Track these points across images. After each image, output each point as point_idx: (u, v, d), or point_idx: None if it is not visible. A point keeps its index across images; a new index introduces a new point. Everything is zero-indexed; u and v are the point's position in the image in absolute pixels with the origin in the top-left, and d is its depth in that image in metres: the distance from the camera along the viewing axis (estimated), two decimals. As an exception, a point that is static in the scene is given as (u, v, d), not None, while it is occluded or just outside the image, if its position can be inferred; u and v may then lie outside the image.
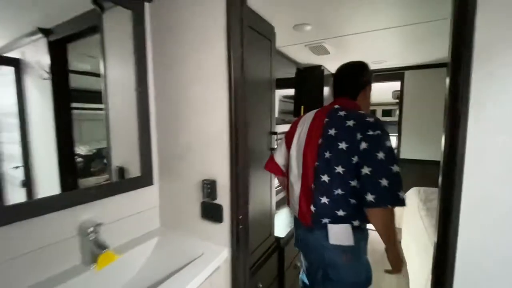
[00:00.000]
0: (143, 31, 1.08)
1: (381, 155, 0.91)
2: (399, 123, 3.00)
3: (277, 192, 2.51)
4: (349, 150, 0.97)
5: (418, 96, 2.86)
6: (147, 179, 1.14)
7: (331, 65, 2.76)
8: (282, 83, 2.53)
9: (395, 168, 0.91)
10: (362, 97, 1.15)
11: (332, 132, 1.03)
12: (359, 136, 0.96)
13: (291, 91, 2.76)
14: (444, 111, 0.63)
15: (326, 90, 2.86)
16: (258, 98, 1.39)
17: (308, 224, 1.09)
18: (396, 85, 3.76)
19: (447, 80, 0.61)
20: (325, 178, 1.02)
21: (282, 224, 2.02)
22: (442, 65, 2.65)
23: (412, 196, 2.45)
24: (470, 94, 0.56)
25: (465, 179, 0.60)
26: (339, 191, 1.00)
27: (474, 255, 0.62)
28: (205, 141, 1.03)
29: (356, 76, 1.14)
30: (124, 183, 1.06)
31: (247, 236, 1.04)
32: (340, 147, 0.99)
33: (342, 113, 1.06)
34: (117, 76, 1.06)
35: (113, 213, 1.02)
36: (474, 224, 0.61)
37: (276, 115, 2.46)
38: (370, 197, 0.90)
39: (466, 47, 0.55)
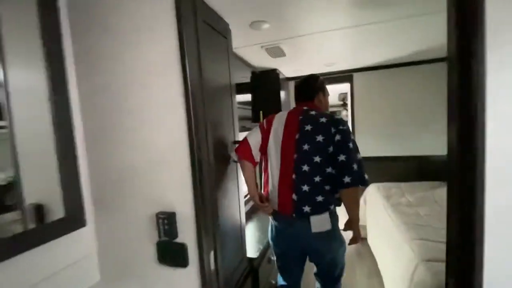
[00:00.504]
0: (56, 18, 0.79)
1: (351, 145, 1.12)
2: (352, 123, 3.11)
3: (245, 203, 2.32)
4: (325, 142, 1.15)
5: (367, 96, 3.01)
6: (76, 219, 0.83)
7: (286, 69, 2.72)
8: (238, 88, 2.37)
9: (359, 155, 1.15)
10: (318, 101, 1.36)
11: (308, 127, 1.19)
12: (333, 130, 1.15)
13: (246, 97, 2.62)
14: (448, 109, 0.54)
15: (283, 95, 2.80)
16: (218, 104, 1.19)
17: (288, 215, 1.20)
18: (342, 87, 3.95)
19: (455, 74, 0.52)
20: (305, 168, 1.16)
21: (251, 240, 1.83)
22: (389, 66, 2.83)
23: (374, 192, 2.52)
24: (486, 86, 0.48)
25: (487, 190, 0.50)
26: (317, 178, 1.15)
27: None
28: (156, 159, 0.79)
29: (308, 86, 1.38)
30: (38, 232, 0.74)
31: (221, 278, 0.82)
32: (317, 139, 1.15)
33: (313, 112, 1.25)
34: (23, 82, 0.75)
35: (21, 279, 0.70)
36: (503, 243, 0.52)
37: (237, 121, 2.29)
38: (347, 179, 1.08)
39: (478, 29, 0.46)
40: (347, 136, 1.13)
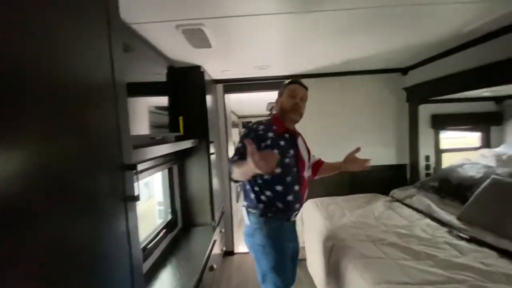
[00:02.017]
0: None
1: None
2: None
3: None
4: None
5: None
6: None
7: (212, 67, 2.25)
8: (152, 88, 1.77)
9: (234, 157, 1.24)
10: (275, 108, 1.45)
11: None
12: None
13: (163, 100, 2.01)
14: None
15: (209, 100, 2.31)
16: (79, 112, 0.62)
17: None
18: (271, 96, 3.75)
19: None
20: None
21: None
22: (323, 75, 2.71)
23: (312, 210, 2.26)
24: None
25: None
26: None
27: None
28: None
29: None
30: None
31: None
32: None
33: None
34: None
35: None
36: None
37: (147, 131, 1.67)
38: None
39: None
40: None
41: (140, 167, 1.51)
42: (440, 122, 2.59)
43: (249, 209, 1.31)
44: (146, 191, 2.25)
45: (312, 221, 2.16)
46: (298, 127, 3.08)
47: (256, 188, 1.28)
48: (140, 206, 1.80)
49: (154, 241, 1.71)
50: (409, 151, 2.69)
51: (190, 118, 2.12)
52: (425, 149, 2.64)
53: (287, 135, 1.35)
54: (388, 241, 1.50)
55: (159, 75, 1.91)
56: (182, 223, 2.17)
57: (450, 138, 2.94)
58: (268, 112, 6.14)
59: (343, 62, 2.32)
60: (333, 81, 2.75)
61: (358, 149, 1.32)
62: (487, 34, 1.74)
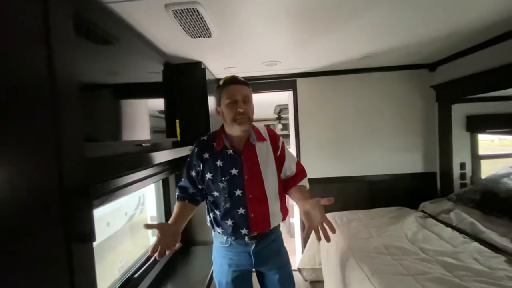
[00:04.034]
0: None
1: None
2: (296, 139, 2.57)
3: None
4: None
5: (311, 107, 2.52)
6: None
7: (214, 64, 1.99)
8: (146, 89, 1.52)
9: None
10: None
11: None
12: None
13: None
14: None
15: (212, 103, 2.05)
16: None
17: None
18: (279, 99, 3.43)
19: None
20: None
21: None
22: (336, 73, 2.42)
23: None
24: None
25: None
26: None
27: None
28: None
29: None
30: None
31: None
32: None
33: None
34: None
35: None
36: None
37: (148, 136, 1.45)
38: None
39: None
40: None
41: (127, 179, 1.25)
42: (477, 124, 2.25)
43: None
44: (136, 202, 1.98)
45: (332, 242, 1.84)
46: (312, 131, 2.63)
47: (206, 206, 1.25)
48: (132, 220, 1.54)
49: (145, 266, 1.44)
50: (440, 158, 2.36)
51: (189, 121, 1.86)
52: (459, 155, 2.30)
53: (229, 151, 1.15)
54: (433, 275, 1.18)
55: (155, 73, 1.66)
56: (180, 242, 1.88)
57: (483, 141, 2.60)
58: (276, 116, 5.77)
59: (361, 57, 2.03)
60: (350, 80, 2.46)
61: (331, 201, 0.94)
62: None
